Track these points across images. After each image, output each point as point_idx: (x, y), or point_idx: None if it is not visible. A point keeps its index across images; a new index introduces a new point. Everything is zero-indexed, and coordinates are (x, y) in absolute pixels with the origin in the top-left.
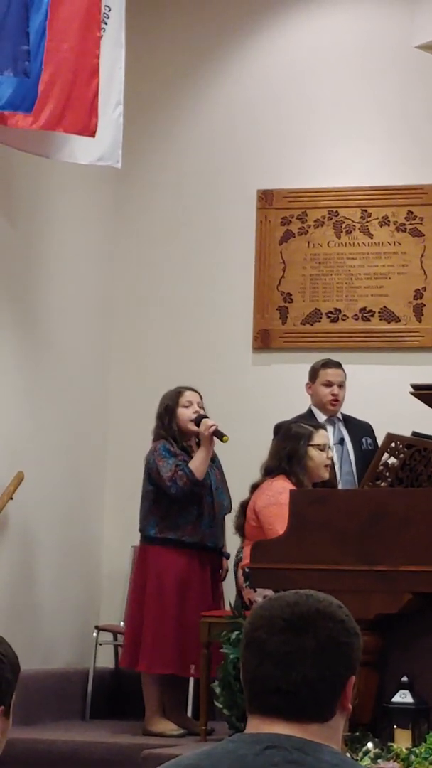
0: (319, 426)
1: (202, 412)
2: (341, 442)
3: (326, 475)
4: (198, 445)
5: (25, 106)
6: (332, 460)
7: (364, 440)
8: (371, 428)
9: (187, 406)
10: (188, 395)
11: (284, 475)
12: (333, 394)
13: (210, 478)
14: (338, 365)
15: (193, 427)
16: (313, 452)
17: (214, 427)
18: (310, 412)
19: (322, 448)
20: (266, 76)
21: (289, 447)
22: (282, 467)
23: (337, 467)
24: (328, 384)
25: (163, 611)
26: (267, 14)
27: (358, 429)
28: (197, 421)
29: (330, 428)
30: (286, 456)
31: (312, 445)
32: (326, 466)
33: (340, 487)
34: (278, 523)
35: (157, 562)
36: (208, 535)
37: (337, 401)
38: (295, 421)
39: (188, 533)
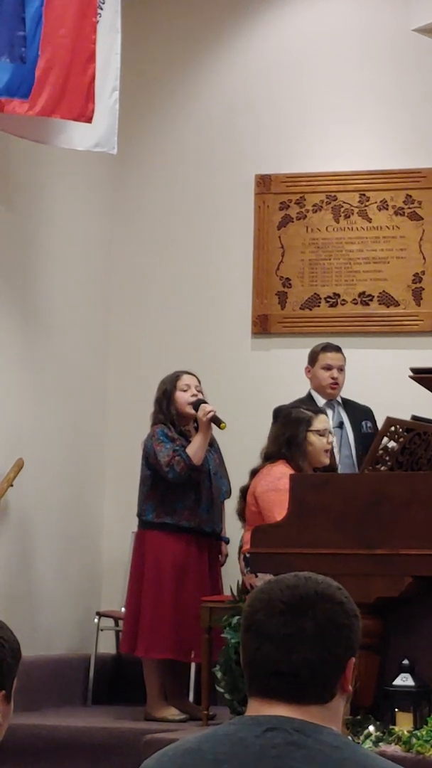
0: (319, 411)
1: (200, 396)
2: (340, 425)
3: (326, 461)
4: (196, 429)
5: (22, 92)
6: (332, 445)
7: (363, 424)
8: (371, 412)
9: (185, 390)
10: (186, 379)
11: (284, 461)
12: (332, 378)
13: (208, 463)
14: (338, 349)
15: (190, 410)
16: (312, 437)
17: (212, 413)
18: (309, 396)
19: (322, 433)
20: (263, 60)
21: (288, 432)
22: (282, 453)
23: (336, 451)
24: (328, 368)
25: (161, 596)
26: None
27: (358, 412)
28: (195, 406)
29: (329, 412)
30: (286, 441)
31: (312, 431)
32: (326, 451)
33: (339, 470)
34: (276, 509)
35: (154, 547)
36: (206, 520)
37: (336, 385)
38: (294, 406)
39: (185, 518)
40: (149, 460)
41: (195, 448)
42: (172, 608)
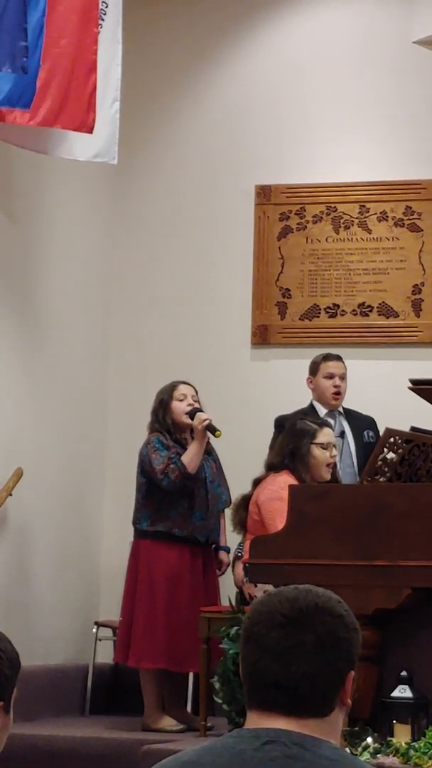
0: (324, 424)
1: (197, 405)
2: (342, 435)
3: (327, 476)
4: (193, 438)
5: (23, 103)
6: (335, 459)
7: (365, 433)
8: (374, 422)
9: (181, 400)
10: (182, 388)
11: (288, 471)
12: (335, 386)
13: (205, 471)
14: (338, 358)
15: (187, 420)
16: (316, 451)
17: (207, 421)
18: (311, 407)
19: (325, 446)
20: (264, 71)
21: (292, 444)
22: (285, 464)
23: (337, 460)
24: (330, 376)
25: (154, 605)
26: (265, 10)
27: (360, 422)
28: (192, 415)
29: (330, 421)
30: (290, 453)
31: (315, 444)
32: (328, 465)
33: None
34: (279, 518)
35: (148, 556)
36: (200, 528)
37: (339, 394)
38: (297, 417)
39: (179, 526)
40: (144, 468)
41: (190, 456)
42: (165, 617)
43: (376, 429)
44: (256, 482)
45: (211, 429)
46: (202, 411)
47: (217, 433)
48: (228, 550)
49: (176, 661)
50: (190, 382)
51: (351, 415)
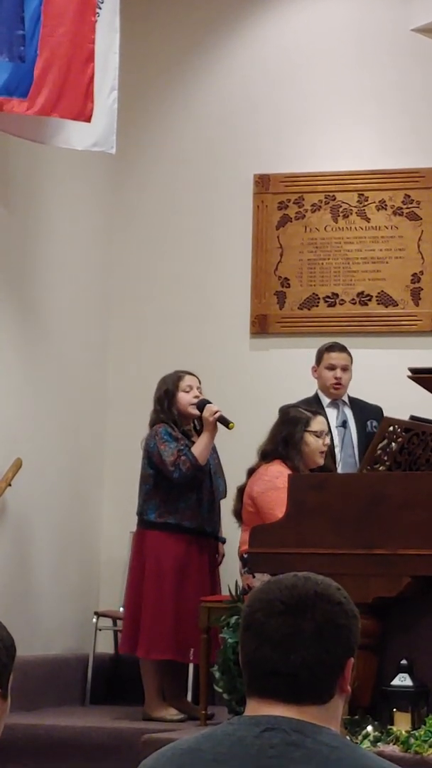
0: (317, 412)
1: (202, 396)
2: (344, 425)
3: (321, 461)
4: (196, 428)
5: (21, 92)
6: (330, 446)
7: (369, 423)
8: (380, 411)
9: (187, 391)
10: (188, 379)
11: (280, 460)
12: (336, 378)
13: (209, 462)
14: (343, 349)
15: (194, 411)
16: (309, 438)
17: (218, 414)
18: (316, 396)
19: (318, 434)
20: (263, 60)
21: (285, 432)
22: (278, 451)
23: (338, 450)
24: (332, 367)
25: (162, 596)
26: None
27: (365, 412)
28: (200, 406)
29: (333, 411)
30: (282, 440)
31: (309, 431)
32: (322, 452)
33: (340, 470)
34: (277, 507)
35: (156, 547)
36: (207, 520)
37: (339, 385)
38: (298, 405)
39: (188, 518)
40: (152, 459)
41: (201, 449)
42: (173, 609)
43: (381, 418)
44: (250, 472)
45: (224, 421)
46: (210, 402)
47: (231, 425)
48: (224, 541)
49: (184, 653)
50: (193, 373)
51: (356, 405)
